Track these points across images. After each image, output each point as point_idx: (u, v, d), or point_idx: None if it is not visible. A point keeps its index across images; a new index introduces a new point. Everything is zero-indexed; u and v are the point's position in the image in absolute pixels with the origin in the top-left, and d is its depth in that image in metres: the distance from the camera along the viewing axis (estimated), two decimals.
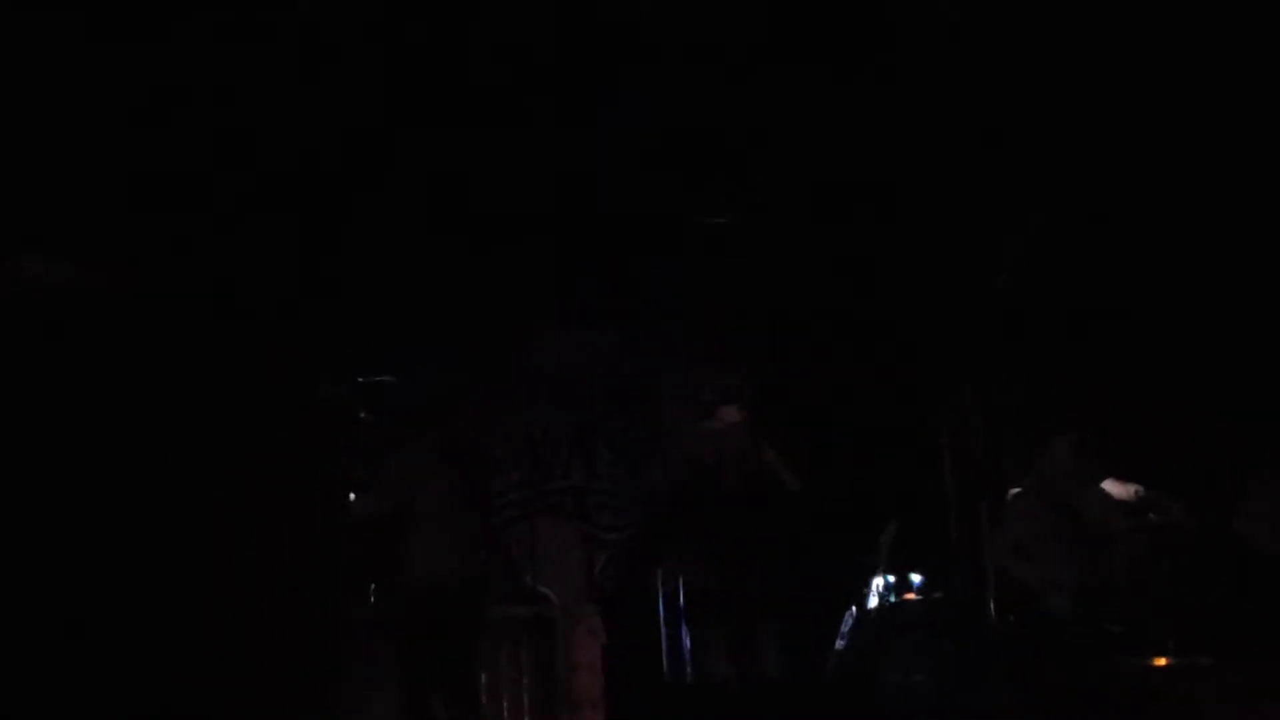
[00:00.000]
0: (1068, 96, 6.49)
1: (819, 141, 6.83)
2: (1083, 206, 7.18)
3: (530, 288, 7.84)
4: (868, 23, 6.12)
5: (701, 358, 8.21)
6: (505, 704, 6.32)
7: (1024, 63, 6.30)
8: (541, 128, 6.55)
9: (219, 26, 5.51)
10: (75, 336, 4.02)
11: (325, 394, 4.82)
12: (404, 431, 6.37)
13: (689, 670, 6.83)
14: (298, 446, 4.33)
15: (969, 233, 7.43)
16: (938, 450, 6.47)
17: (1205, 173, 6.91)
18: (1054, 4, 6.08)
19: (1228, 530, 6.89)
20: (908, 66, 6.34)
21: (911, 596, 7.29)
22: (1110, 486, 6.99)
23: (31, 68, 5.25)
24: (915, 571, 7.29)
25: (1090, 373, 7.59)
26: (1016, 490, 6.95)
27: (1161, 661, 6.34)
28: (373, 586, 6.39)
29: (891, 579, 7.32)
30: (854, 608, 7.37)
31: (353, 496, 6.12)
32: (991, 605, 6.19)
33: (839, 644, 7.33)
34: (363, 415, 6.42)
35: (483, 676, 6.21)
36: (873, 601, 7.33)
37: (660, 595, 7.30)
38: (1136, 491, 6.96)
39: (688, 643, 6.63)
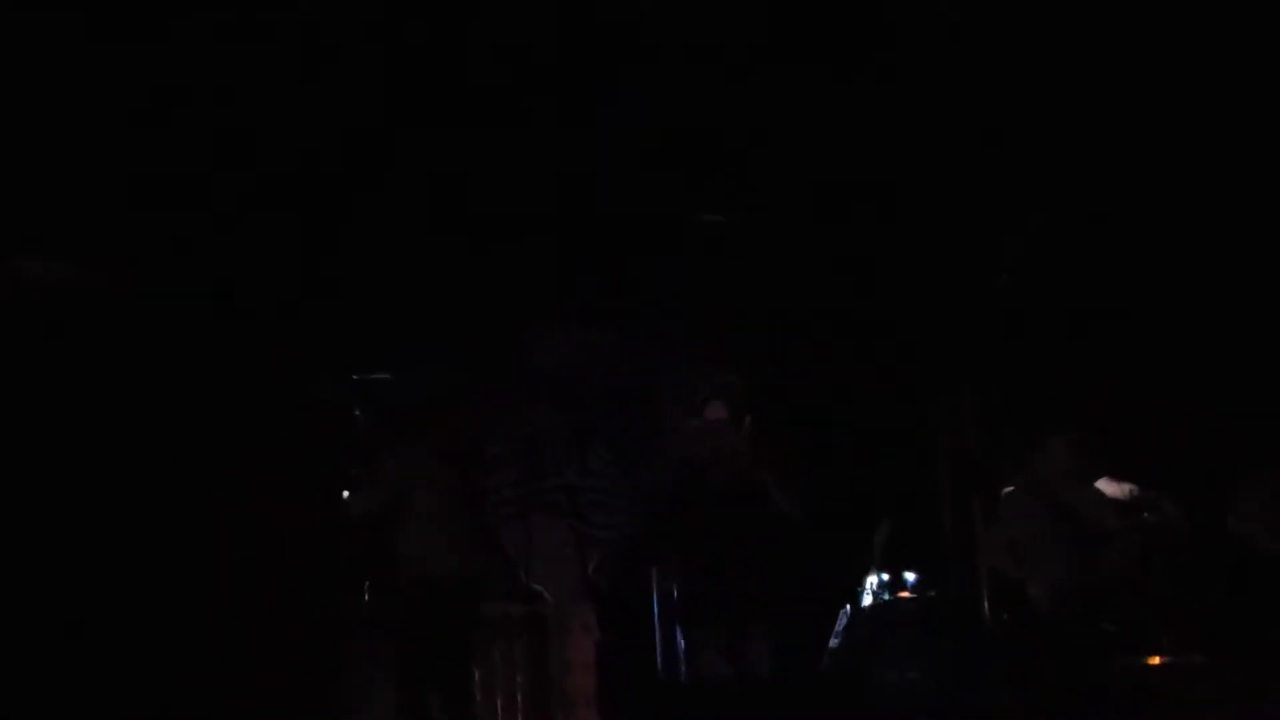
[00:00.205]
0: (1068, 96, 6.48)
1: (819, 141, 6.82)
2: (1082, 206, 7.19)
3: (530, 287, 7.83)
4: (868, 23, 6.10)
5: (701, 357, 8.19)
6: (499, 702, 6.35)
7: (1024, 63, 6.29)
8: (541, 128, 6.54)
9: (219, 26, 5.51)
10: (75, 336, 4.03)
11: (323, 393, 4.83)
12: (403, 430, 6.38)
13: (683, 668, 6.82)
14: (296, 445, 4.34)
15: (969, 233, 7.43)
16: (935, 449, 6.49)
17: (1205, 173, 6.92)
18: (1054, 4, 6.08)
19: (1223, 530, 6.92)
20: (908, 66, 6.33)
21: (906, 595, 7.31)
22: (1106, 486, 7.01)
23: (31, 67, 5.26)
24: (910, 570, 7.31)
25: (1087, 372, 7.61)
26: (1010, 489, 6.97)
27: (1156, 660, 6.36)
28: (369, 585, 6.42)
29: (886, 577, 7.33)
30: (848, 606, 7.39)
31: (349, 494, 6.12)
32: (986, 604, 6.21)
33: (833, 642, 7.35)
34: (359, 414, 6.44)
35: (477, 674, 6.23)
36: (867, 600, 7.35)
37: (655, 593, 7.33)
38: (1132, 491, 6.99)
39: (682, 641, 6.63)
